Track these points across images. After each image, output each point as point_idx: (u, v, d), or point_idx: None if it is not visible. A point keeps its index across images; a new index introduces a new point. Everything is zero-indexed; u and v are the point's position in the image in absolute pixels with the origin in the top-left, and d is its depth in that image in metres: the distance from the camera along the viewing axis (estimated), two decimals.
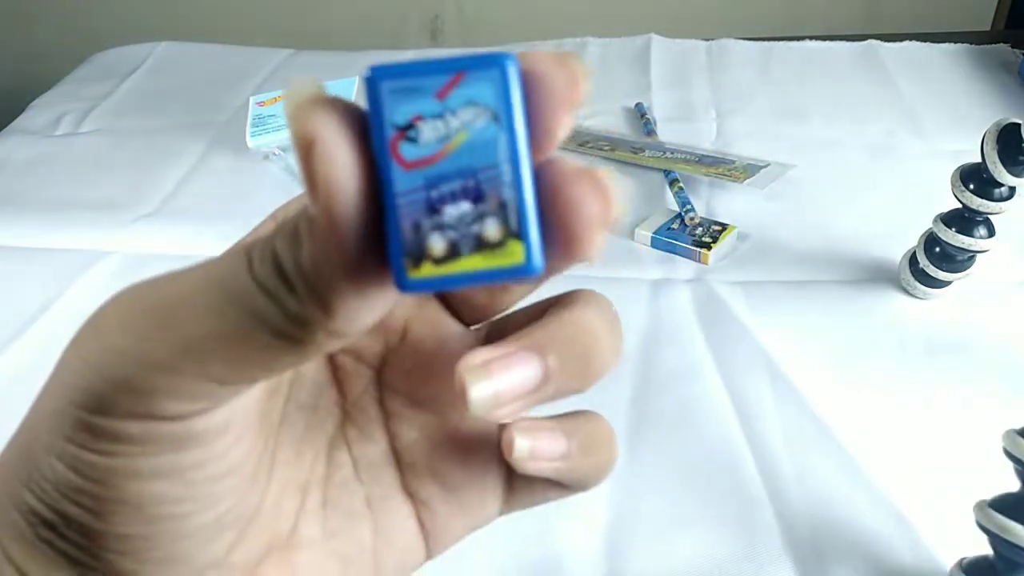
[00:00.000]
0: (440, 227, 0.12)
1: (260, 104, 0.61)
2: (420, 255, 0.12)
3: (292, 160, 0.61)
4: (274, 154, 0.62)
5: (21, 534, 0.16)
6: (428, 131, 0.12)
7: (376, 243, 0.12)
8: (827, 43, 0.77)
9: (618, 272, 0.49)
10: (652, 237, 0.51)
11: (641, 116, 0.67)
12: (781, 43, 0.78)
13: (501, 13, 1.21)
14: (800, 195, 0.56)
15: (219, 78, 0.76)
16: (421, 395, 0.19)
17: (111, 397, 0.14)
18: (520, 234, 0.12)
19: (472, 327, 0.20)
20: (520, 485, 0.20)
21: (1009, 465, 0.27)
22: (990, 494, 0.28)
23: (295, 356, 0.14)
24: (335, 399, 0.19)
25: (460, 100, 0.12)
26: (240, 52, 0.82)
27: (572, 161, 0.13)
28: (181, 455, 0.15)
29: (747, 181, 0.55)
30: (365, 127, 0.12)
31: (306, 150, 0.11)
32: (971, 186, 0.41)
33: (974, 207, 0.41)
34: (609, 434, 0.19)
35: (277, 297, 0.13)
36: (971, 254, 0.43)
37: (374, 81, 0.12)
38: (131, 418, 0.14)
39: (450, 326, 0.19)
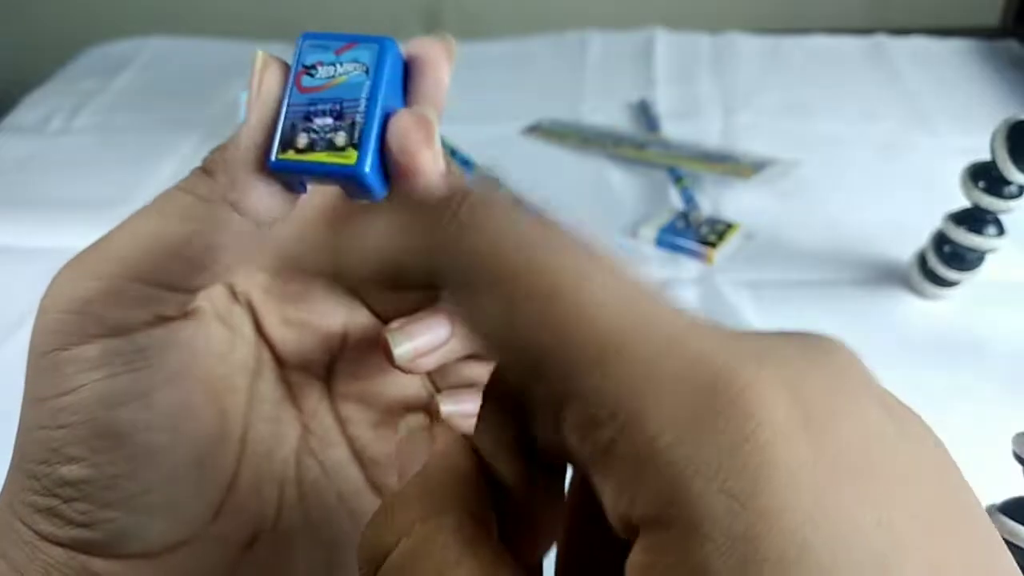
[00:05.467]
0: (308, 130, 0.17)
1: None
2: (289, 145, 0.17)
3: None
4: None
5: (26, 542, 0.17)
6: (322, 71, 0.17)
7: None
8: (834, 38, 0.77)
9: None
10: (656, 236, 0.51)
11: (645, 112, 0.66)
12: (788, 38, 0.77)
13: (500, 6, 1.20)
14: (807, 193, 0.55)
15: (211, 73, 0.75)
16: (368, 394, 0.22)
17: (71, 322, 0.17)
18: (358, 145, 0.16)
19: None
20: None
21: (1019, 468, 0.27)
22: (999, 498, 0.27)
23: (200, 238, 0.17)
24: (295, 415, 0.22)
25: (349, 58, 0.17)
26: (232, 47, 0.81)
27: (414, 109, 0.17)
28: (135, 375, 0.17)
29: (753, 178, 0.54)
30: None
31: (264, 69, 0.17)
32: (981, 184, 0.41)
33: (984, 205, 0.41)
34: None
35: (194, 188, 0.18)
36: (981, 253, 0.43)
37: (302, 39, 0.17)
38: (88, 340, 0.17)
39: (380, 332, 0.23)
